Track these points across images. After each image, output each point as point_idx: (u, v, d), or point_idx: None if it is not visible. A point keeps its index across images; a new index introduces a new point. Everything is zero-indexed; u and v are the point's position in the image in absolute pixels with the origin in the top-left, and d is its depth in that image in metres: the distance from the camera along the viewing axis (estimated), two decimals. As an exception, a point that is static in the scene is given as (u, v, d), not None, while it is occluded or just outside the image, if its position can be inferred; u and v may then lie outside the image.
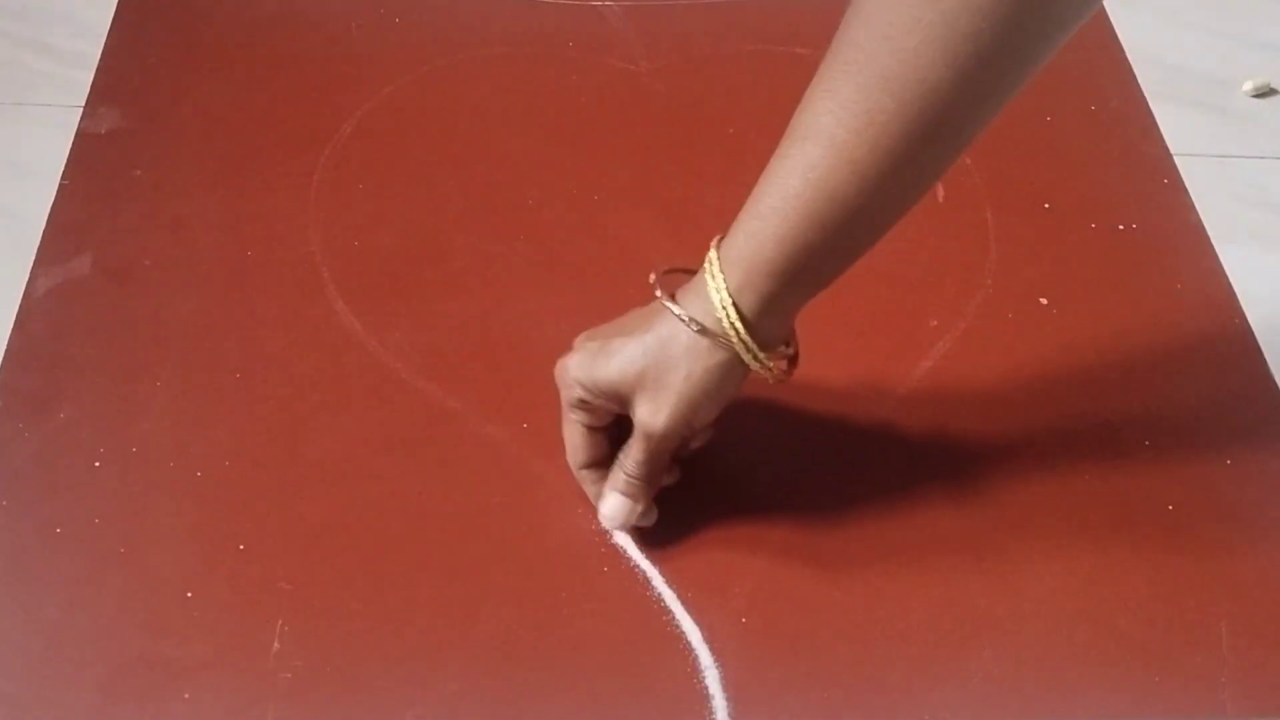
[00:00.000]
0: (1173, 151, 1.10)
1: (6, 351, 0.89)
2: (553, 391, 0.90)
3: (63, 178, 1.00)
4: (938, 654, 0.79)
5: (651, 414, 0.75)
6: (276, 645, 0.77)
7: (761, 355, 0.73)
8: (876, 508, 0.85)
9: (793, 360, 0.78)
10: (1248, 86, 1.16)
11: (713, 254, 0.73)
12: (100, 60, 1.09)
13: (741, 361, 0.73)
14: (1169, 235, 1.04)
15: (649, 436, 0.76)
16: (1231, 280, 1.00)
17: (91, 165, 1.01)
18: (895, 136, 0.65)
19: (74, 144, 1.02)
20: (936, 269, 0.99)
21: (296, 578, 0.80)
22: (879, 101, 0.64)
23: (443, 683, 0.76)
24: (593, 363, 0.76)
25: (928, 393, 0.91)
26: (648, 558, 0.81)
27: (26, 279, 0.93)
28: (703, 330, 0.72)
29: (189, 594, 0.79)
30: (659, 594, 0.80)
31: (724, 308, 0.71)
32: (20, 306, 0.92)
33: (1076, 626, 0.80)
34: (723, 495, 0.85)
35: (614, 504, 0.79)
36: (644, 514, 0.80)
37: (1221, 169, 1.09)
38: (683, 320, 0.73)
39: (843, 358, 0.93)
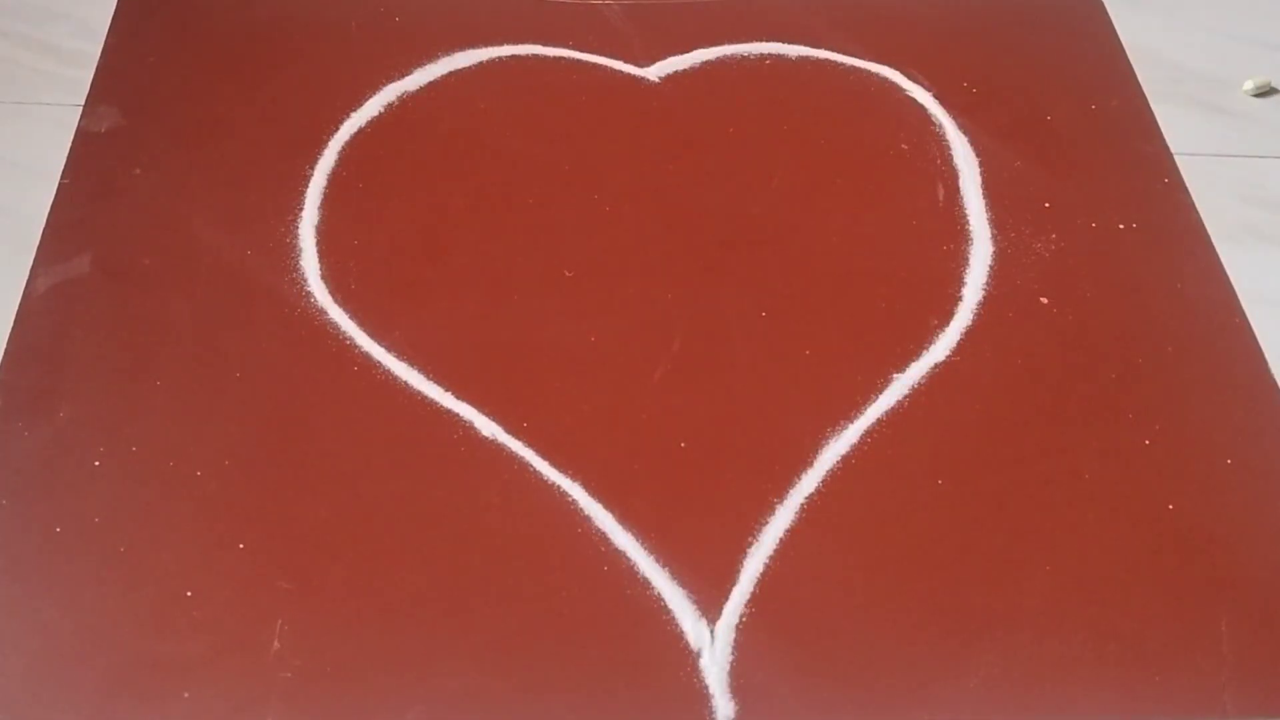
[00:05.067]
0: (1173, 151, 1.10)
1: (6, 351, 0.89)
2: (552, 390, 0.90)
3: (63, 177, 1.00)
4: (938, 654, 0.79)
5: None
6: (276, 645, 0.77)
7: None
8: (876, 507, 0.85)
9: None
10: (1248, 86, 1.16)
11: None
12: (100, 59, 1.09)
13: None
14: (1169, 235, 1.04)
15: None
16: (1232, 280, 1.00)
17: (91, 164, 1.01)
18: None
19: (74, 143, 1.02)
20: (936, 269, 0.99)
21: (296, 578, 0.80)
22: None
23: (443, 682, 0.76)
24: None
25: (928, 392, 0.91)
26: (648, 558, 0.81)
27: (26, 279, 0.93)
28: None
29: (189, 594, 0.78)
30: (659, 594, 0.80)
31: None
32: (20, 306, 0.92)
33: (1076, 626, 0.80)
34: (722, 496, 0.85)
35: None
36: None
37: (1222, 168, 1.09)
38: None
39: (843, 357, 0.93)
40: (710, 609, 0.80)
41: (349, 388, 0.89)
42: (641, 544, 0.82)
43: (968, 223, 1.03)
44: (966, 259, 1.00)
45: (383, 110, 1.07)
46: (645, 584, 0.80)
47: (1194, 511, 0.86)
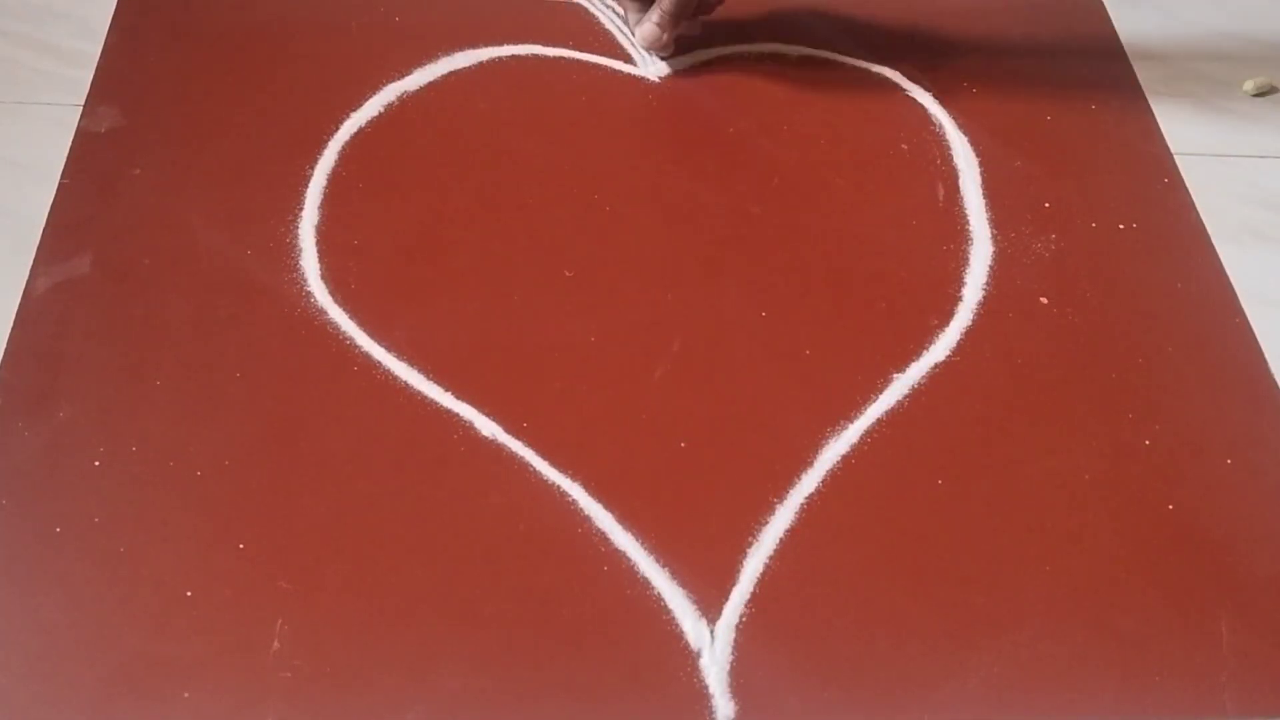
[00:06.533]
0: (1173, 151, 1.10)
1: (6, 351, 0.89)
2: (552, 390, 0.90)
3: (63, 177, 1.00)
4: (938, 654, 0.79)
5: None
6: (276, 645, 0.77)
7: None
8: (876, 507, 0.85)
9: None
10: (1248, 86, 1.16)
11: None
12: (100, 59, 1.09)
13: None
14: (1169, 235, 1.04)
15: None
16: (1232, 280, 1.00)
17: (91, 164, 1.01)
18: None
19: (74, 143, 1.02)
20: (936, 269, 0.99)
21: (296, 578, 0.80)
22: None
23: (443, 682, 0.76)
24: None
25: (928, 392, 0.91)
26: (648, 558, 0.82)
27: (26, 279, 0.93)
28: None
29: (189, 594, 0.78)
30: (659, 594, 0.80)
31: None
32: (20, 306, 0.92)
33: (1076, 626, 0.80)
34: (722, 496, 0.85)
35: (646, 29, 1.09)
36: (667, 44, 1.10)
37: (1222, 168, 1.09)
38: None
39: (843, 357, 0.93)
40: (710, 609, 0.80)
41: (349, 388, 0.89)
42: (641, 544, 0.82)
43: (968, 223, 1.03)
44: (966, 259, 1.00)
45: (383, 110, 1.07)
46: (645, 584, 0.80)
47: (1194, 511, 0.86)
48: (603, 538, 0.83)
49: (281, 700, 0.75)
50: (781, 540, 0.83)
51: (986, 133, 1.09)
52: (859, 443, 0.88)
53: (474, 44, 1.13)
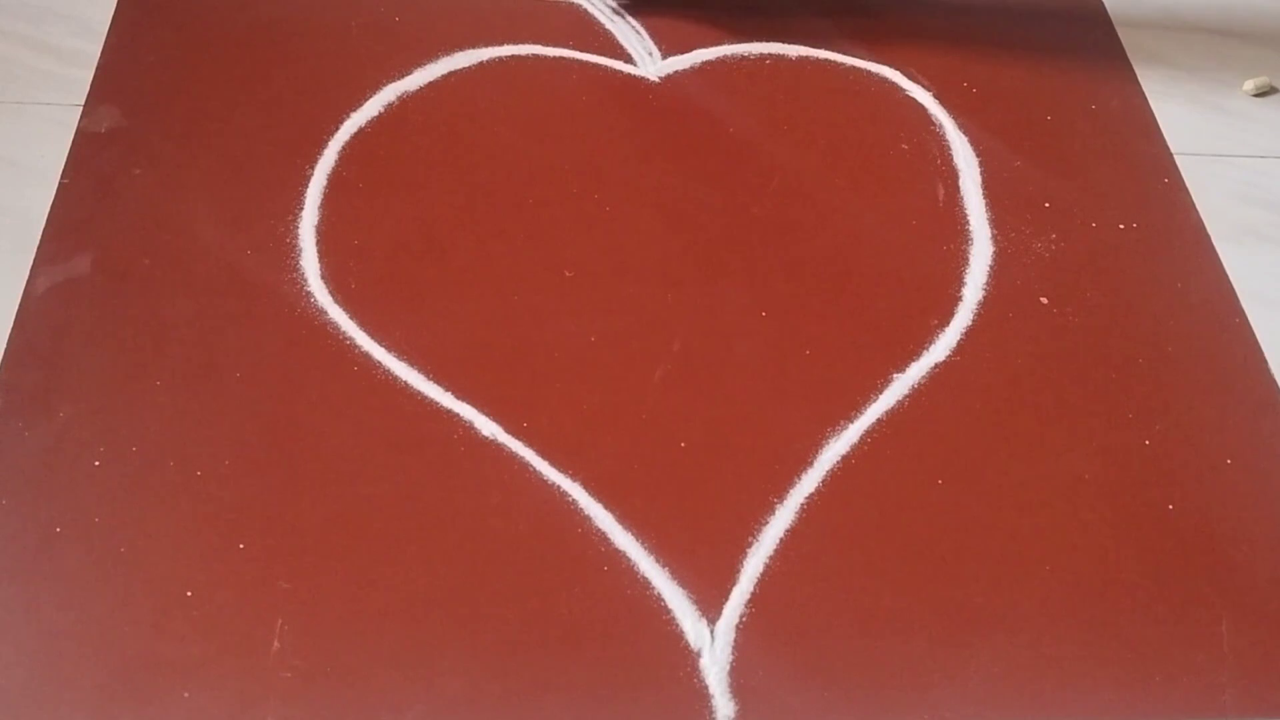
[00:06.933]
0: (1173, 151, 1.10)
1: (6, 351, 0.89)
2: (552, 390, 0.90)
3: (63, 177, 1.00)
4: (938, 654, 0.79)
5: None
6: (276, 644, 0.77)
7: None
8: (876, 507, 0.85)
9: None
10: (1248, 86, 1.16)
11: None
12: (100, 59, 1.09)
13: None
14: (1169, 235, 1.04)
15: None
16: (1232, 280, 1.00)
17: (91, 164, 1.01)
18: None
19: (74, 143, 1.02)
20: (936, 269, 0.99)
21: (296, 577, 0.80)
22: None
23: (443, 682, 0.76)
24: None
25: (928, 392, 0.91)
26: (648, 558, 0.81)
27: (26, 279, 0.93)
28: None
29: (189, 594, 0.78)
30: (659, 594, 0.80)
31: None
32: (20, 306, 0.92)
33: (1076, 626, 0.80)
34: (722, 496, 0.85)
35: None
36: None
37: (1222, 168, 1.09)
38: None
39: (843, 357, 0.93)
40: (710, 609, 0.80)
41: (349, 388, 0.89)
42: (641, 544, 0.82)
43: (968, 223, 1.03)
44: (966, 259, 1.00)
45: (383, 110, 1.07)
46: (645, 584, 0.80)
47: (1194, 511, 0.86)
48: (603, 538, 0.82)
49: (281, 700, 0.75)
50: (781, 540, 0.83)
51: (986, 133, 1.09)
52: (859, 443, 0.88)
53: (474, 44, 1.13)
